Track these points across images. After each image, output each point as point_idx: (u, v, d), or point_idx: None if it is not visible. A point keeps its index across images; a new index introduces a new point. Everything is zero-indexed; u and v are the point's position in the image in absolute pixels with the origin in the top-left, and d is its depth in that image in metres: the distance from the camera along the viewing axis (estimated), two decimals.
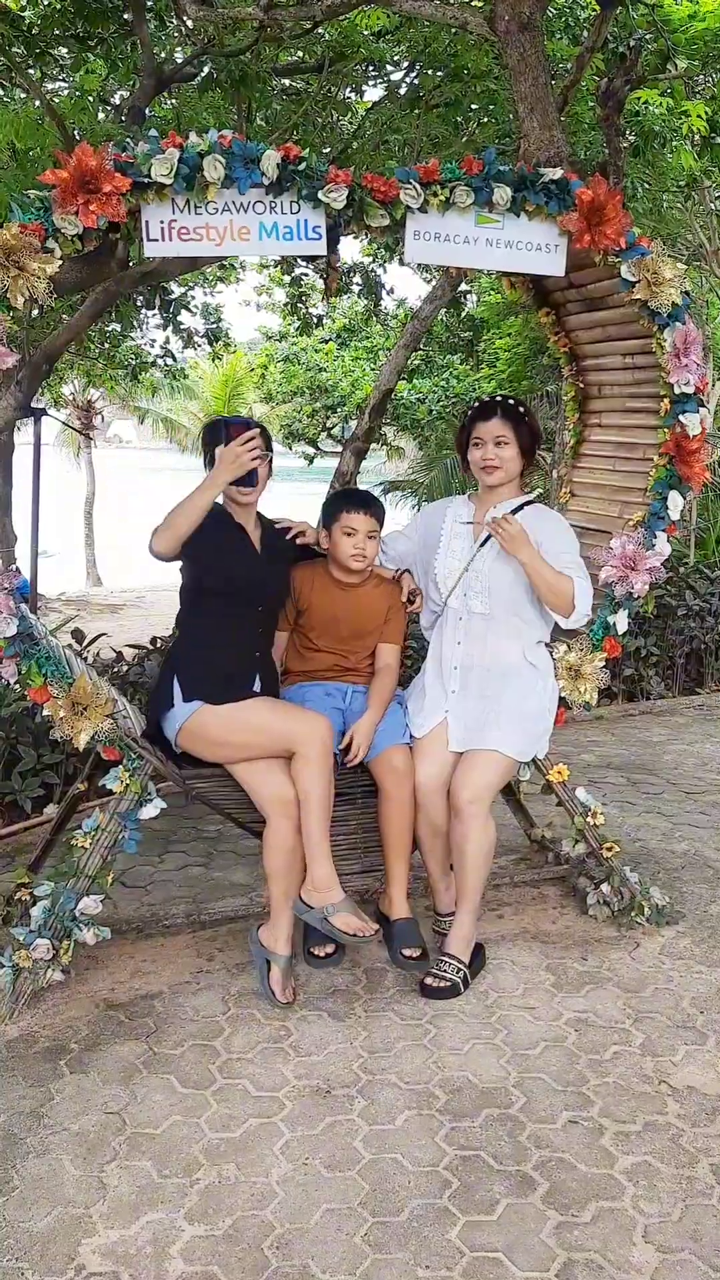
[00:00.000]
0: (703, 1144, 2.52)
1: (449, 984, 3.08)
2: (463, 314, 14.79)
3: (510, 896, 3.78)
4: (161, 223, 2.81)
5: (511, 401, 3.27)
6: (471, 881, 3.16)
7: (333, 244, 2.99)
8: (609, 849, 3.56)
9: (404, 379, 16.26)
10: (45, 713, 3.00)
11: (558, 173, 3.02)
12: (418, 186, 2.91)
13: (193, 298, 12.33)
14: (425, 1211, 2.30)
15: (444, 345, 17.01)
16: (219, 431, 3.08)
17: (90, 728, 2.99)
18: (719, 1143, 2.51)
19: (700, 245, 10.89)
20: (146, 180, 2.71)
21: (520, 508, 3.27)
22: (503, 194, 2.97)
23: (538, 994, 3.16)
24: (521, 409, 3.26)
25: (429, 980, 3.10)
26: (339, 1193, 2.36)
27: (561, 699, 3.41)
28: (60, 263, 2.69)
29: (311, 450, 22.49)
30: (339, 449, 14.72)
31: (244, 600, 3.17)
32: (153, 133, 2.74)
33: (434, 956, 3.24)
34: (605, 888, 3.53)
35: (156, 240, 2.83)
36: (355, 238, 3.11)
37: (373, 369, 18.93)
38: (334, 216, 2.91)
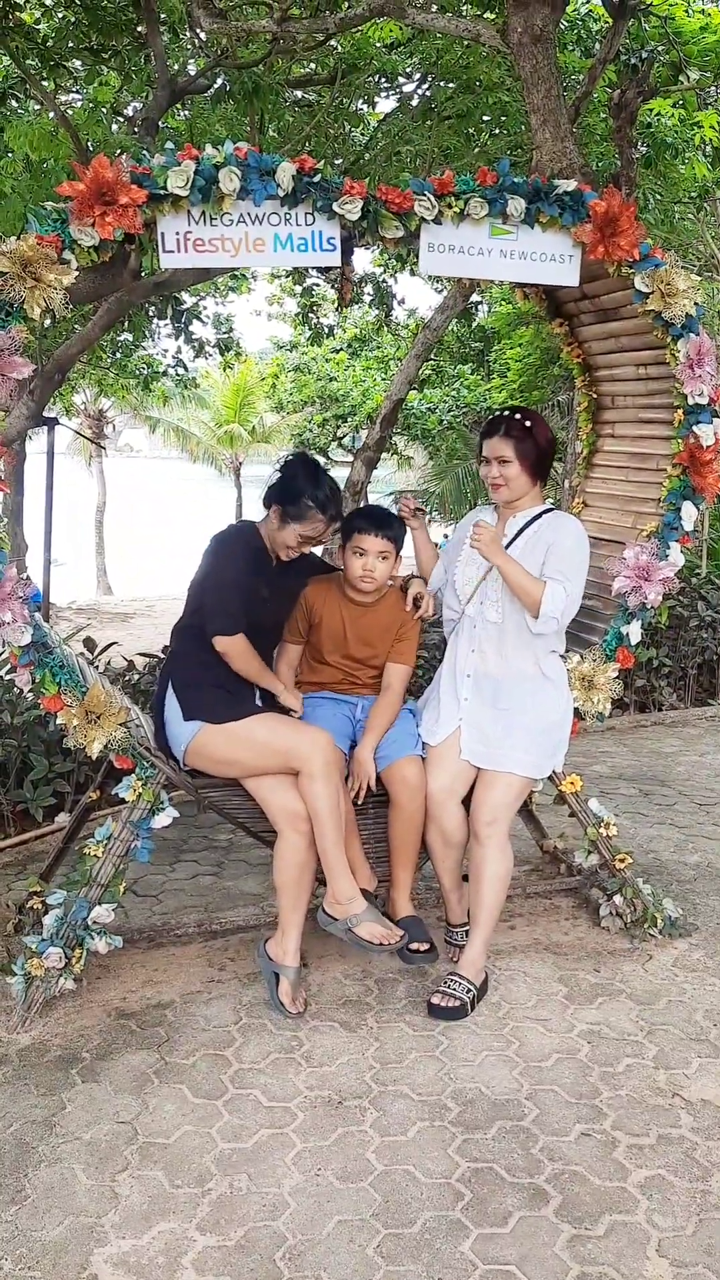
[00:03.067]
0: (716, 1158, 2.50)
1: (458, 1003, 3.07)
2: (474, 324, 14.81)
3: (522, 907, 3.76)
4: (177, 234, 2.82)
5: (518, 417, 3.21)
6: (487, 907, 3.16)
7: (347, 255, 3.00)
8: (621, 860, 3.55)
9: (415, 389, 16.29)
10: (59, 721, 3.00)
11: (572, 184, 3.03)
12: (432, 198, 2.92)
13: (204, 308, 12.38)
14: (438, 1224, 2.29)
15: (455, 355, 17.05)
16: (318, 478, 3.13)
17: (103, 736, 3.00)
18: None
19: (712, 256, 10.91)
20: (162, 192, 2.73)
21: (539, 516, 3.26)
22: (517, 205, 2.98)
23: (550, 1005, 3.15)
24: (528, 423, 3.19)
25: (436, 999, 3.08)
26: (351, 1204, 2.35)
27: (575, 709, 3.41)
28: (76, 274, 2.71)
29: (322, 459, 22.54)
30: (350, 458, 14.74)
31: (253, 626, 3.16)
32: (169, 145, 2.75)
33: (444, 971, 3.23)
34: (618, 899, 3.52)
35: (172, 252, 2.84)
36: (369, 249, 3.12)
37: (384, 379, 18.98)
38: (349, 228, 2.92)
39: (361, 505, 3.29)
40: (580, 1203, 2.36)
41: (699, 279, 3.17)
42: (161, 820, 3.12)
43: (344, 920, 3.02)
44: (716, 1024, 3.05)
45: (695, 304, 3.16)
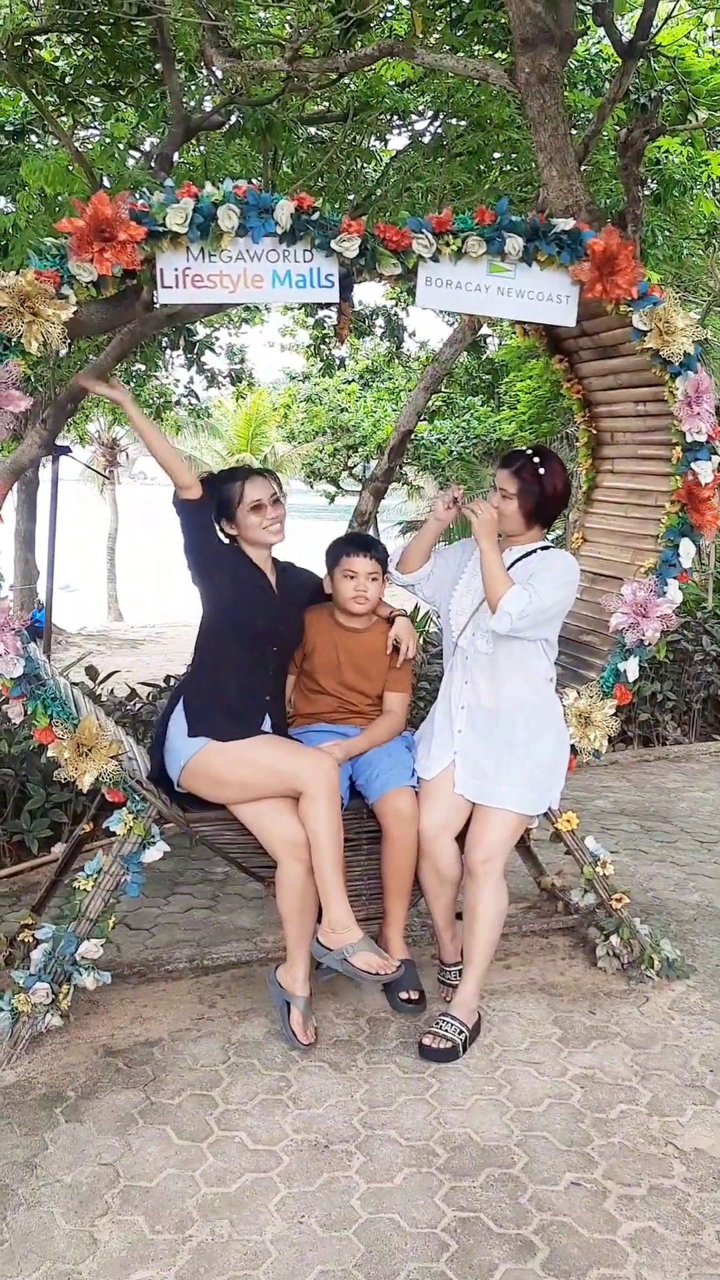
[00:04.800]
0: (709, 1210, 2.44)
1: (449, 1045, 3.02)
2: (484, 357, 14.90)
3: (519, 946, 3.71)
4: (176, 270, 2.84)
5: (535, 459, 3.17)
6: (481, 946, 3.11)
7: (346, 291, 3.01)
8: (618, 900, 3.50)
9: (425, 420, 16.35)
10: (50, 754, 2.99)
11: (570, 223, 3.04)
12: (430, 236, 2.94)
13: (217, 339, 12.47)
14: (422, 1276, 2.24)
15: (465, 387, 17.13)
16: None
17: (94, 769, 2.98)
18: None
19: None
20: (161, 229, 2.74)
21: (535, 552, 3.24)
22: (515, 244, 2.98)
23: (544, 1048, 3.10)
24: (541, 469, 3.14)
25: (428, 1041, 3.04)
26: (334, 1253, 2.30)
27: (571, 746, 3.38)
28: (75, 309, 2.73)
29: (333, 489, 22.66)
30: (360, 488, 14.78)
31: (260, 642, 3.18)
32: (168, 182, 2.78)
33: (436, 1012, 3.19)
34: (615, 939, 3.47)
35: (171, 287, 2.85)
36: (377, 282, 3.13)
37: (394, 409, 19.08)
38: (347, 265, 2.93)
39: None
40: (568, 1255, 2.30)
41: (698, 316, 3.16)
42: (152, 854, 3.10)
43: (339, 950, 2.97)
44: (713, 1070, 2.99)
45: (695, 341, 3.16)
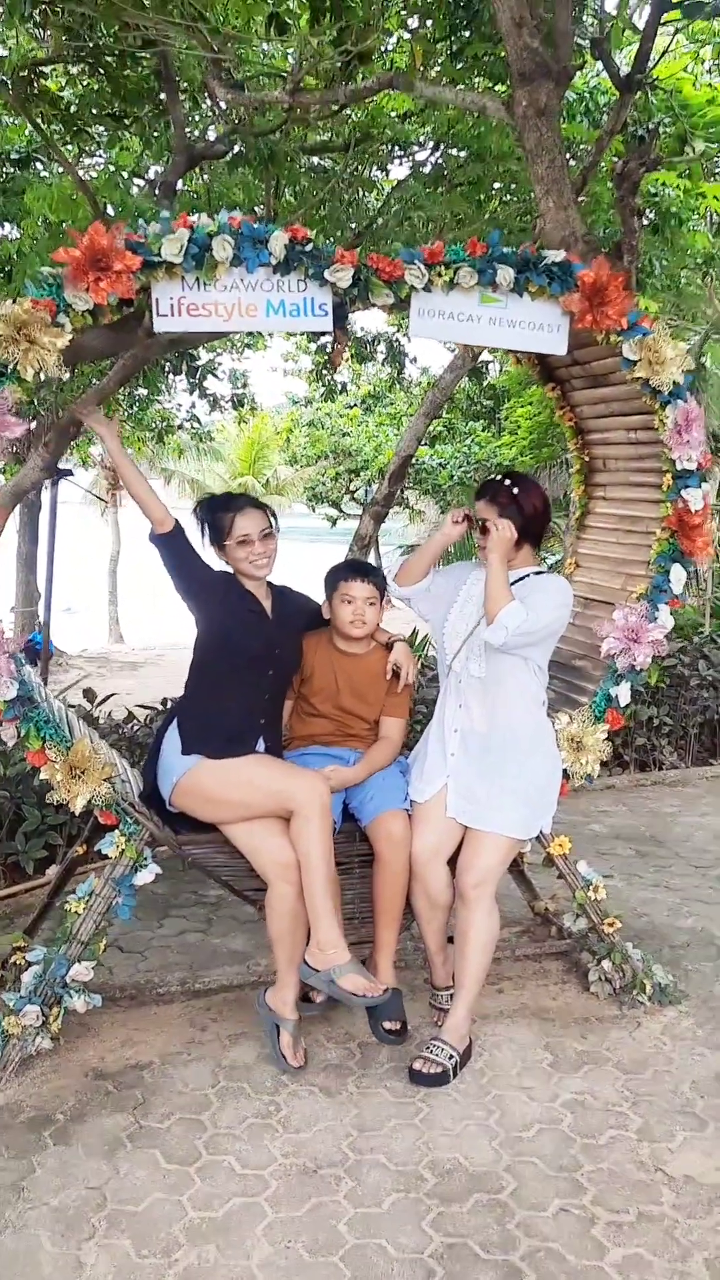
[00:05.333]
0: (697, 1237, 2.44)
1: (440, 1070, 3.02)
2: (485, 383, 14.99)
3: (511, 970, 3.71)
4: (171, 299, 2.89)
5: (507, 484, 3.21)
6: (472, 971, 3.12)
7: (340, 320, 3.05)
8: (610, 925, 3.50)
9: (426, 445, 16.42)
10: (43, 776, 3.01)
11: (560, 255, 3.09)
12: (422, 267, 2.98)
13: (219, 364, 12.57)
14: None
15: (466, 413, 17.21)
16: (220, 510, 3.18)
17: (87, 792, 3.00)
18: (714, 1236, 2.44)
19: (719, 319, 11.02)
20: (157, 259, 2.79)
21: (528, 576, 3.27)
22: (505, 275, 3.03)
23: (534, 1073, 3.09)
24: (515, 490, 3.19)
25: (418, 1065, 3.04)
26: (320, 1279, 2.29)
27: (563, 770, 3.39)
28: (71, 337, 2.77)
29: (334, 512, 22.71)
30: (361, 511, 14.83)
31: (255, 666, 3.20)
32: (164, 214, 2.83)
33: (427, 1036, 3.19)
34: (607, 964, 3.47)
35: (166, 315, 2.91)
36: (371, 309, 3.17)
37: (396, 434, 19.15)
38: (340, 294, 2.98)
39: (361, 558, 3.31)
40: None
41: (689, 347, 3.20)
42: (144, 877, 3.11)
43: (326, 971, 2.97)
44: (703, 1096, 2.98)
45: (685, 371, 3.20)
